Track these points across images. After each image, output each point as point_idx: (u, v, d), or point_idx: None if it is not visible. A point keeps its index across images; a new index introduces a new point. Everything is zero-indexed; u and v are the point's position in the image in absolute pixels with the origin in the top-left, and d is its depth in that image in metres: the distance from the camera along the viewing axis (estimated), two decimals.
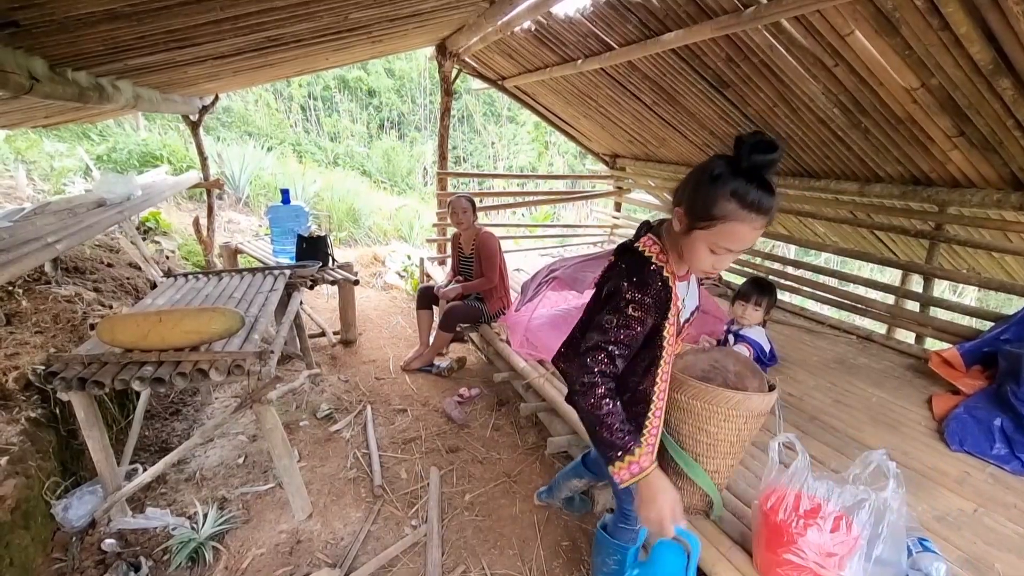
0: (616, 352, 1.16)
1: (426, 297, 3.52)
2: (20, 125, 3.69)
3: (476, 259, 3.35)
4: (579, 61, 3.88)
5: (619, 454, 1.13)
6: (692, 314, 1.37)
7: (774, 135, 3.44)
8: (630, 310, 1.16)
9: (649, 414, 1.29)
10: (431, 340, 3.49)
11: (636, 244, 1.25)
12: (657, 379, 1.28)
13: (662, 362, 1.27)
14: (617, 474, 1.14)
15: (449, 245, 3.95)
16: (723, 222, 1.07)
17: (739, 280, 3.64)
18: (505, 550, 2.01)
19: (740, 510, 1.62)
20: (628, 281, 1.18)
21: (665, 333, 1.23)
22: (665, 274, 1.20)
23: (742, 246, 1.12)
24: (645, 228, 1.30)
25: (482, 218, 4.26)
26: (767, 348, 2.45)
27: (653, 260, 1.20)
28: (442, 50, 4.76)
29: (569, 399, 1.30)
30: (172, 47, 2.11)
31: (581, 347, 1.22)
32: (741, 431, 1.43)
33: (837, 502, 1.27)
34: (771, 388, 1.48)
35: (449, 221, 3.63)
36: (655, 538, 1.22)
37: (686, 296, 1.32)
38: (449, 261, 3.82)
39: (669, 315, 1.21)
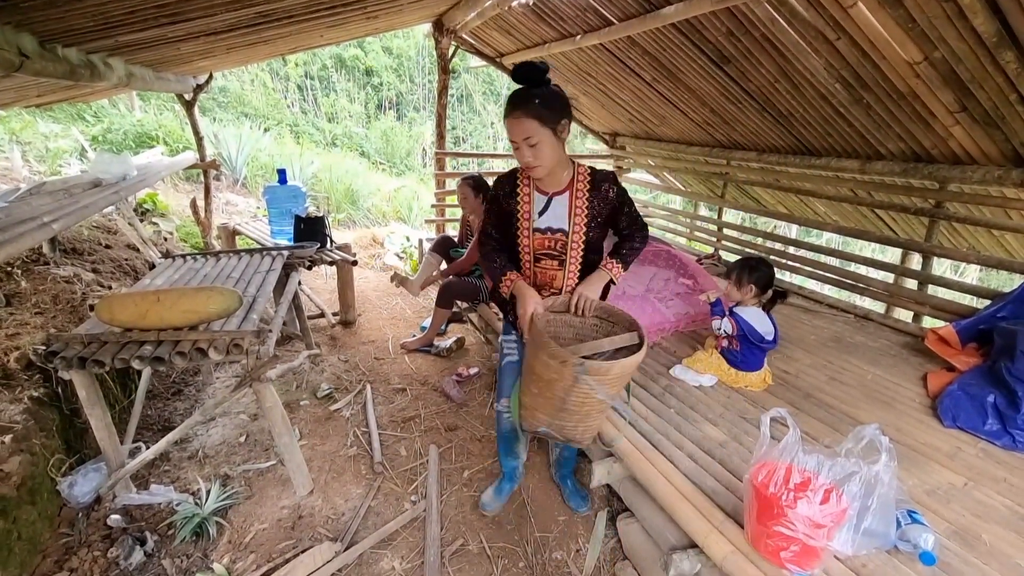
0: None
1: (442, 245, 3.71)
2: (13, 104, 3.64)
3: None
4: (578, 37, 3.81)
5: (500, 276, 1.67)
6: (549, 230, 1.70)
7: (775, 112, 3.41)
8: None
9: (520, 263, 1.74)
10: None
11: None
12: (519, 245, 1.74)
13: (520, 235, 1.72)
14: (502, 288, 1.67)
15: (452, 226, 3.96)
16: None
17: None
18: (502, 525, 2.05)
19: (732, 483, 1.64)
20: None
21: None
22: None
23: None
24: None
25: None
26: (759, 330, 2.32)
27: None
28: (439, 27, 4.68)
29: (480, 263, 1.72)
30: (163, 22, 2.07)
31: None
32: (555, 383, 1.43)
33: (827, 475, 1.29)
34: (639, 347, 1.46)
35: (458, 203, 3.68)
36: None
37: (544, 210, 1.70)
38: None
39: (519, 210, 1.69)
